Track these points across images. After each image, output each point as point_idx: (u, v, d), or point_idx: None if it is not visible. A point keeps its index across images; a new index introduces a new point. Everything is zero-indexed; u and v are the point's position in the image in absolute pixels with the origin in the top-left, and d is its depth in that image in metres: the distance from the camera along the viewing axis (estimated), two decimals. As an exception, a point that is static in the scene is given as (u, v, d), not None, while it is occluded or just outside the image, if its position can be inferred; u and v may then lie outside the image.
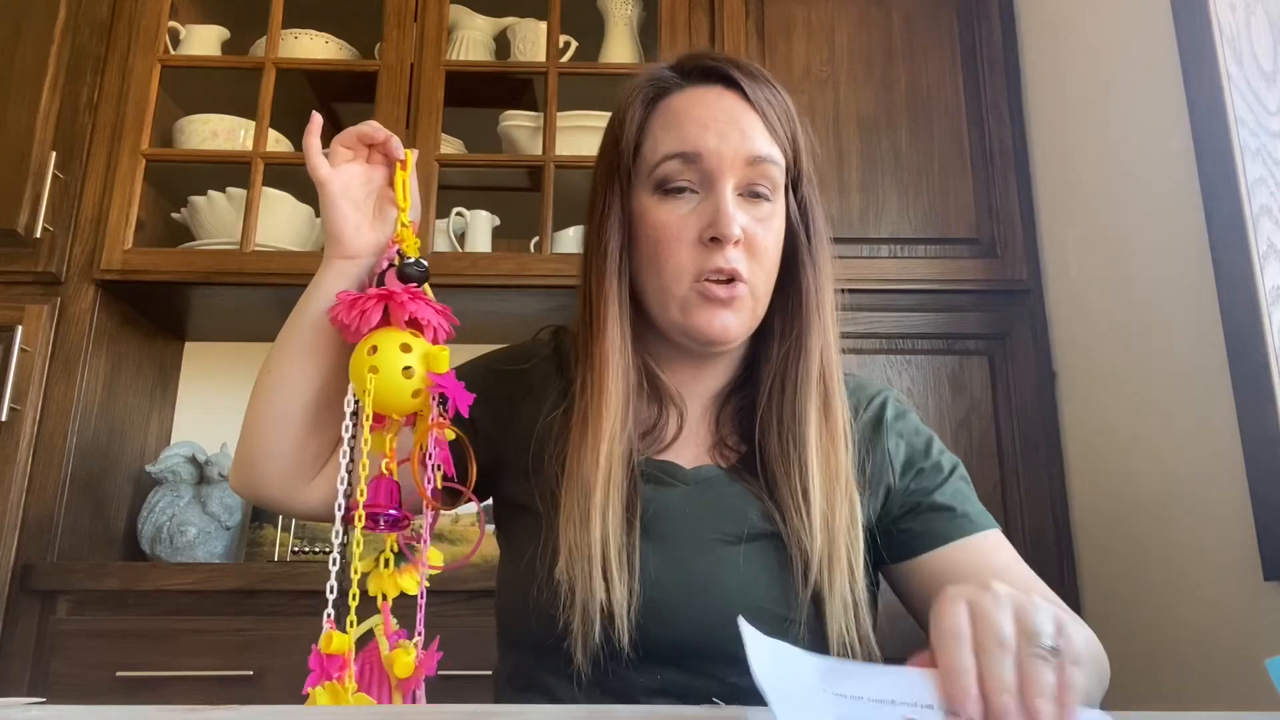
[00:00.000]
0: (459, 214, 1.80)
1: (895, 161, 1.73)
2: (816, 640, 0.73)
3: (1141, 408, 1.38)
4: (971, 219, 1.71)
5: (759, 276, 0.78)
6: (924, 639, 0.79)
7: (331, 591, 0.65)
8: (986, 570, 0.75)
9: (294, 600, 1.44)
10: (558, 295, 1.68)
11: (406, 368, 0.69)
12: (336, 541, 0.66)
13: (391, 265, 0.75)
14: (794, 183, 0.82)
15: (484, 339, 1.79)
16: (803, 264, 0.81)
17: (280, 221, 1.75)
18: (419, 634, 0.70)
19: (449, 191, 1.79)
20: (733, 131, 0.78)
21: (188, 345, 2.00)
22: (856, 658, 0.73)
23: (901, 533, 0.80)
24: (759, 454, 0.80)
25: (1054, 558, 1.55)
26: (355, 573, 0.66)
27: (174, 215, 1.85)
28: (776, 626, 0.72)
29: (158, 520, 1.66)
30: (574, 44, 1.85)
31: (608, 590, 0.71)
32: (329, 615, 0.64)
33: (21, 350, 1.54)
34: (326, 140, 0.81)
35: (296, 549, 1.74)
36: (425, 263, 0.75)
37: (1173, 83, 1.28)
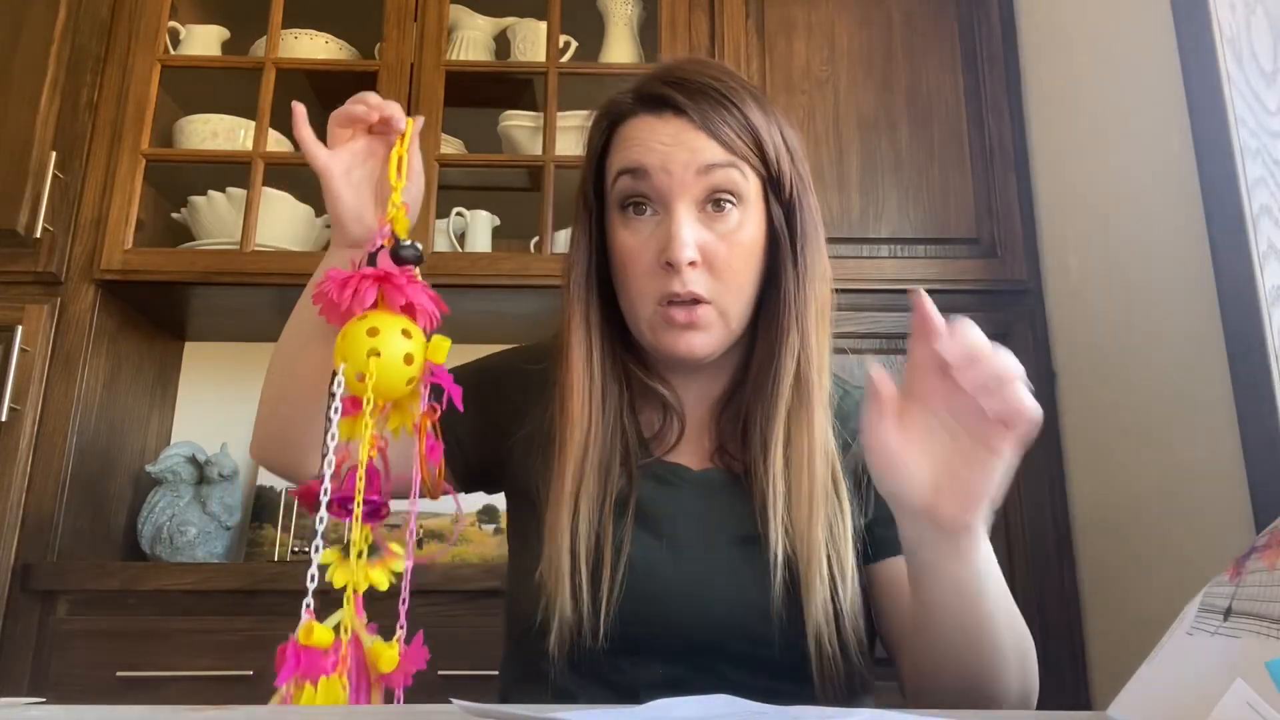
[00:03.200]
0: (459, 214, 1.80)
1: (895, 161, 1.73)
2: (793, 648, 0.73)
3: (1141, 408, 1.37)
4: (971, 219, 1.71)
5: (725, 294, 0.78)
6: (878, 640, 0.81)
7: (313, 580, 0.63)
8: None
9: (294, 600, 1.40)
10: (558, 295, 1.65)
11: (408, 354, 0.66)
12: (321, 527, 0.64)
13: (383, 246, 0.72)
14: (775, 187, 0.80)
15: (484, 339, 1.79)
16: (783, 270, 0.80)
17: (280, 221, 1.75)
18: (401, 627, 0.68)
19: (449, 191, 1.79)
20: (679, 149, 0.77)
21: (188, 345, 2.00)
22: (839, 669, 0.73)
23: (885, 532, 0.80)
24: (751, 459, 0.81)
25: (1054, 558, 1.55)
26: (354, 561, 0.65)
27: (174, 215, 1.85)
28: (761, 630, 0.74)
29: (158, 520, 1.66)
30: (574, 44, 1.85)
31: (588, 582, 0.73)
32: (309, 605, 0.63)
33: (21, 350, 1.54)
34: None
35: (296, 549, 1.74)
36: (419, 245, 0.72)
37: (1173, 83, 1.28)
